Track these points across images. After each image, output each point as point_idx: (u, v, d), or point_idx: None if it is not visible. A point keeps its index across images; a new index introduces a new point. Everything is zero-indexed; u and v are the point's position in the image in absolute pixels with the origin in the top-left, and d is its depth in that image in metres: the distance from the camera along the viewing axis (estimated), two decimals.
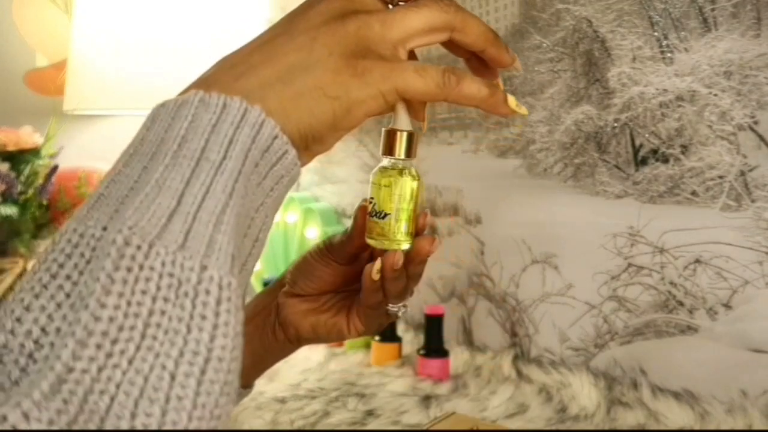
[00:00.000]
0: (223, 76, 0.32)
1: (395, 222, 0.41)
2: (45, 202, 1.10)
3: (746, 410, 0.63)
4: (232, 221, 0.26)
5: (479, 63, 0.38)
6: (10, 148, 1.05)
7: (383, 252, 0.41)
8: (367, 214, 0.41)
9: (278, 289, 0.47)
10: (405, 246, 0.41)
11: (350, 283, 0.46)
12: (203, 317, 0.23)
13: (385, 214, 0.40)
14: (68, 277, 0.23)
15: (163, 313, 0.22)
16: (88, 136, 1.37)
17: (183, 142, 0.27)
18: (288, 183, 0.31)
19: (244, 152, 0.27)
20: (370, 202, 0.40)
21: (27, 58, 1.31)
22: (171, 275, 0.23)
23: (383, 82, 0.31)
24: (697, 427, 0.64)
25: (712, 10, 0.67)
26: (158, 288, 0.23)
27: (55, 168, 1.09)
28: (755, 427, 0.62)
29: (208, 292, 0.23)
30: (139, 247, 0.23)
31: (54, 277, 0.23)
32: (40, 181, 1.07)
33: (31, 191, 1.06)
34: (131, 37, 1.10)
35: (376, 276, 0.41)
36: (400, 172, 0.40)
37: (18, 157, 1.06)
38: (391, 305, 0.44)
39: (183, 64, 1.10)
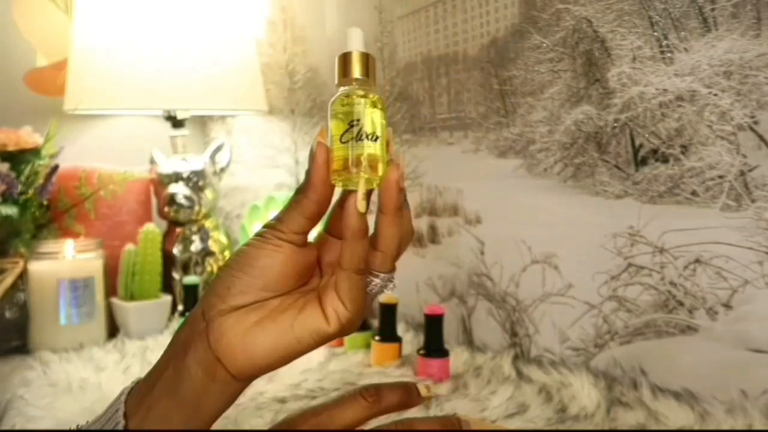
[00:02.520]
0: None
1: (383, 147, 0.35)
2: (45, 202, 1.10)
3: (746, 410, 0.63)
4: None
5: None
6: (10, 148, 1.05)
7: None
8: (343, 142, 0.34)
9: (198, 319, 0.36)
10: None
11: (307, 273, 0.37)
12: None
13: (377, 137, 0.34)
14: None
15: None
16: (88, 136, 1.37)
17: None
18: None
19: None
20: (352, 124, 0.34)
21: (27, 58, 1.31)
22: None
23: None
24: (697, 427, 0.64)
25: (712, 10, 0.67)
26: None
27: (55, 168, 1.10)
28: (755, 427, 0.62)
29: None
30: None
31: None
32: (40, 181, 1.07)
33: (31, 191, 1.06)
34: (131, 37, 1.10)
35: (362, 206, 0.34)
36: (368, 95, 0.35)
37: (18, 157, 1.06)
38: (376, 274, 0.36)
39: (183, 64, 1.10)
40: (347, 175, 0.34)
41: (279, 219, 0.36)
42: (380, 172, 0.35)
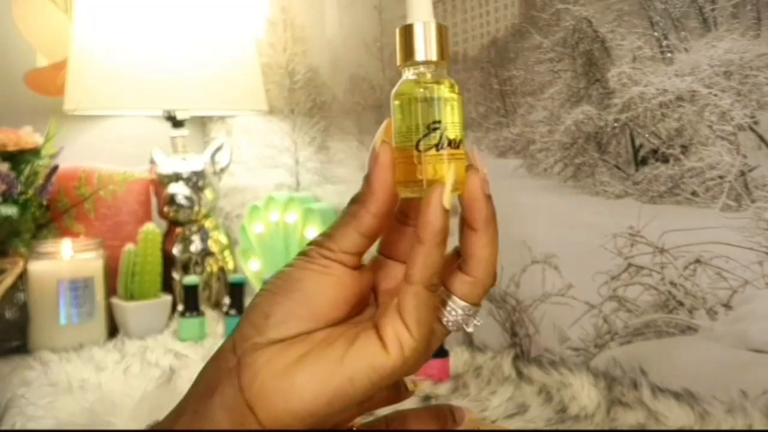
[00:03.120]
0: None
1: (465, 152, 0.28)
2: (45, 202, 1.10)
3: (746, 410, 0.63)
4: None
5: None
6: (10, 148, 1.05)
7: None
8: (419, 150, 0.27)
9: (228, 354, 0.29)
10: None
11: (361, 302, 0.31)
12: None
13: (459, 141, 0.28)
14: None
15: None
16: (88, 136, 1.37)
17: None
18: None
19: None
20: (434, 128, 0.27)
21: (27, 58, 1.31)
22: None
23: None
24: (697, 427, 0.64)
25: (712, 10, 0.67)
26: None
27: (55, 168, 1.10)
28: (755, 427, 0.62)
29: None
30: None
31: None
32: (40, 181, 1.08)
33: (31, 191, 1.06)
34: (131, 37, 1.10)
35: (449, 200, 0.27)
36: (444, 82, 0.28)
37: (18, 157, 1.06)
38: (459, 303, 0.29)
39: (183, 64, 1.10)
40: (419, 187, 0.28)
41: (328, 235, 0.30)
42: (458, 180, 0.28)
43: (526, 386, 0.77)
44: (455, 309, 0.29)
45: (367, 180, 0.29)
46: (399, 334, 0.27)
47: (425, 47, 0.28)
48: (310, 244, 0.30)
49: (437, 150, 0.27)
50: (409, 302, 0.27)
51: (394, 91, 0.29)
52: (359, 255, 0.30)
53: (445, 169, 0.27)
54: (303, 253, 0.30)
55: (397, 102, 0.28)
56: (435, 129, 0.27)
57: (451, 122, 0.27)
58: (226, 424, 0.27)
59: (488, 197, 0.29)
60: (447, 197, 0.27)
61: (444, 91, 0.28)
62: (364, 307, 0.32)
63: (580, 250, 0.80)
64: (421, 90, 0.28)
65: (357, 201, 0.29)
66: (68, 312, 1.02)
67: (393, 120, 0.29)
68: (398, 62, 0.29)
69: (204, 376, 0.30)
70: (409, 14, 0.28)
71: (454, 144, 0.27)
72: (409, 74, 0.29)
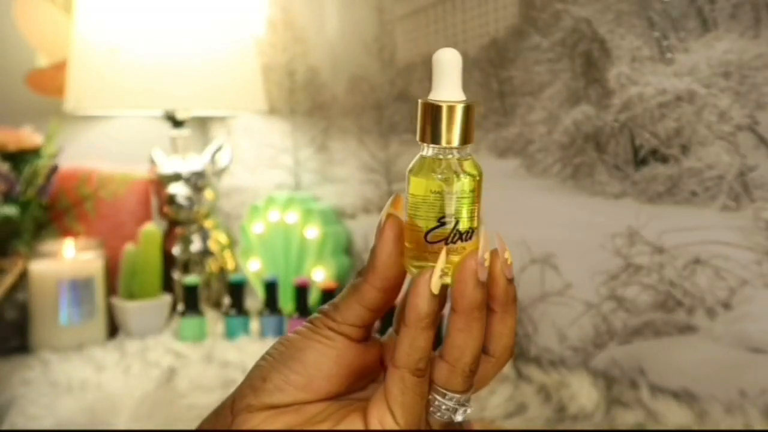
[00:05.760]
0: None
1: (478, 239, 0.27)
2: (45, 202, 1.11)
3: (745, 410, 0.63)
4: None
5: None
6: (11, 148, 1.05)
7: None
8: (429, 242, 0.26)
9: (226, 410, 0.29)
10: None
11: (364, 376, 0.30)
12: None
13: (472, 231, 0.27)
14: None
15: None
16: (88, 136, 1.37)
17: None
18: None
19: None
20: (443, 222, 0.26)
21: (27, 58, 1.31)
22: None
23: None
24: (695, 427, 0.64)
25: (711, 10, 0.67)
26: None
27: (55, 168, 1.10)
28: (754, 427, 0.62)
29: None
30: None
31: None
32: (40, 181, 1.08)
33: (31, 191, 1.06)
34: (132, 37, 1.10)
35: (437, 285, 0.27)
36: (464, 167, 0.27)
37: (18, 157, 1.06)
38: (442, 393, 0.28)
39: (183, 64, 1.10)
40: (426, 263, 0.27)
41: (334, 305, 0.29)
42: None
43: (525, 386, 0.77)
44: (438, 399, 0.28)
45: (371, 253, 0.28)
46: (382, 420, 0.26)
47: (453, 132, 0.26)
48: (318, 312, 0.30)
49: (446, 243, 0.26)
50: (394, 386, 0.27)
51: (410, 165, 0.27)
52: (364, 328, 0.29)
53: (453, 260, 0.27)
54: (310, 321, 0.29)
55: (408, 180, 0.27)
56: (445, 223, 0.26)
57: (467, 214, 0.26)
58: None
59: (478, 284, 0.27)
60: (435, 282, 0.26)
61: (464, 183, 0.26)
62: (368, 382, 0.30)
63: (579, 249, 0.80)
64: (438, 177, 0.26)
65: (361, 273, 0.29)
66: (68, 312, 1.02)
67: (406, 193, 0.27)
68: (417, 137, 0.27)
69: (205, 425, 0.30)
70: (434, 88, 0.26)
71: (466, 236, 0.27)
72: (428, 151, 0.27)
